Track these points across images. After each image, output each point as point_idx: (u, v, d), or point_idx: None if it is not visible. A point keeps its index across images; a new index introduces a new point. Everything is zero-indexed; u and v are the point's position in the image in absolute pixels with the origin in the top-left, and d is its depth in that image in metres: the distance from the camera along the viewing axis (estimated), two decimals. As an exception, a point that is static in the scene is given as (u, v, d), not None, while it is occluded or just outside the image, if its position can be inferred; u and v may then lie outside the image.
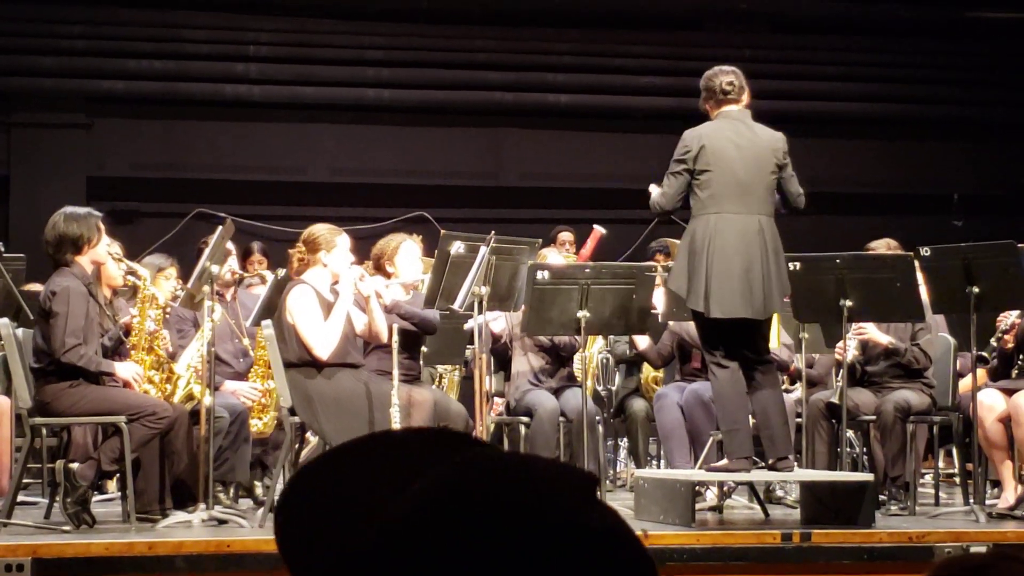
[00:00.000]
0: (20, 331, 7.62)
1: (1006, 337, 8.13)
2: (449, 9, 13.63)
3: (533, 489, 1.09)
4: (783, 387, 8.41)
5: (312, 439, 8.45)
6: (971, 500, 7.81)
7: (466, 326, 8.77)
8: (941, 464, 9.50)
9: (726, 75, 7.34)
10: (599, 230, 10.59)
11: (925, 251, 7.91)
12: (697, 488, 7.74)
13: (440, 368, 9.73)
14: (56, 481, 7.21)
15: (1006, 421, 7.90)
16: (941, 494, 8.83)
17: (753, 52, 13.25)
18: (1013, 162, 14.16)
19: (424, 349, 8.49)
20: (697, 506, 7.44)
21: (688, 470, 8.15)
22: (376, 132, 13.68)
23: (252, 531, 7.03)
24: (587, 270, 8.21)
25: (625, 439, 10.12)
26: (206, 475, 7.26)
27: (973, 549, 6.62)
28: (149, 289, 7.67)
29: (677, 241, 8.17)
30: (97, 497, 7.88)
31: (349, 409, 7.44)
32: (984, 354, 8.19)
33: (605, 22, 13.95)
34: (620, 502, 8.04)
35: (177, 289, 8.52)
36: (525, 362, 8.83)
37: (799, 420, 8.34)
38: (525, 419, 8.57)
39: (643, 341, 9.06)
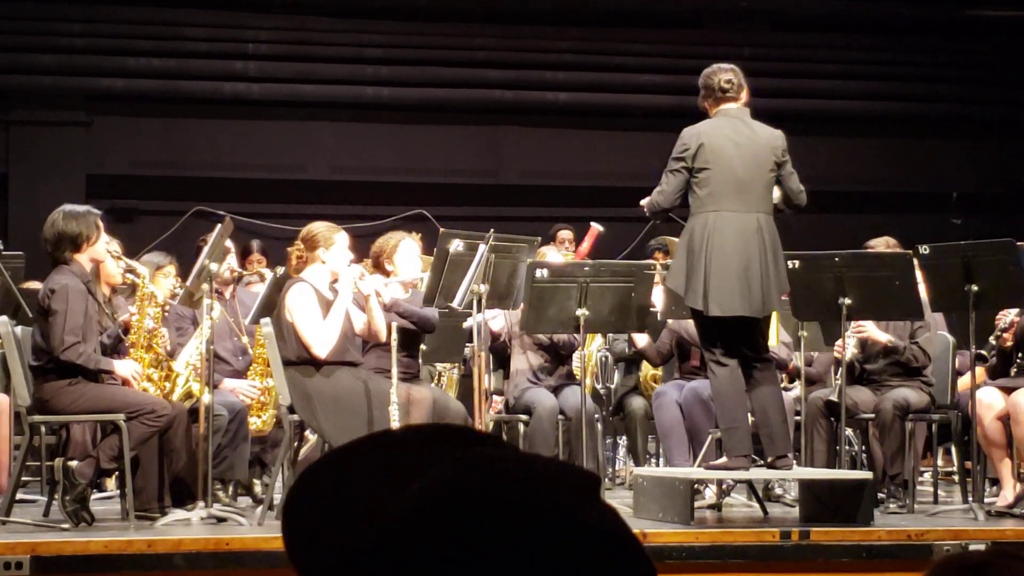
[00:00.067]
0: (19, 329, 7.62)
1: (1005, 335, 8.14)
2: (448, 7, 13.63)
3: (532, 488, 1.09)
4: (782, 385, 8.41)
5: (311, 437, 8.44)
6: (970, 498, 7.81)
7: (465, 324, 8.77)
8: (940, 462, 9.50)
9: (725, 73, 7.34)
10: (596, 227, 10.59)
11: (924, 249, 7.91)
12: (696, 486, 7.75)
13: (439, 366, 9.73)
14: (55, 479, 7.21)
15: (1005, 419, 7.90)
16: (940, 492, 8.83)
17: (753, 50, 13.26)
18: (1013, 160, 14.16)
19: (423, 347, 8.49)
20: (696, 504, 7.43)
21: (687, 468, 8.15)
22: (375, 130, 13.68)
23: (251, 529, 7.03)
24: (586, 268, 8.21)
25: (624, 437, 10.12)
26: (205, 473, 7.25)
27: (972, 547, 6.62)
28: (148, 287, 7.67)
29: (676, 239, 8.17)
30: (96, 495, 7.88)
31: (348, 407, 7.44)
32: (983, 352, 8.19)
33: (605, 20, 13.95)
34: (619, 500, 8.04)
35: (176, 287, 8.52)
36: (524, 360, 8.83)
37: (798, 418, 8.34)
38: (524, 417, 8.57)
39: (642, 339, 9.06)
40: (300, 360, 7.54)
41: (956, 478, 8.95)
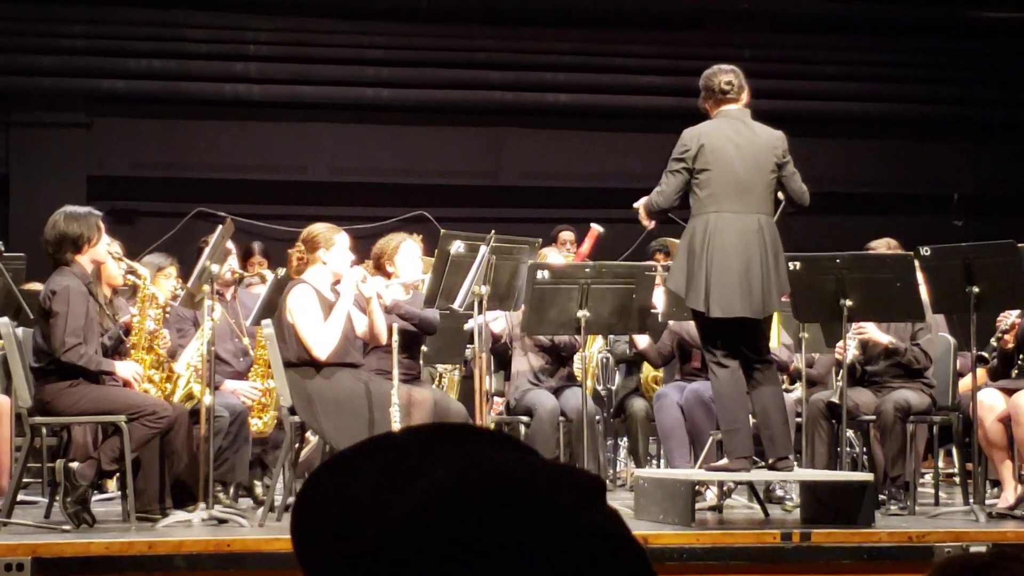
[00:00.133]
0: (20, 330, 7.62)
1: (1006, 337, 8.14)
2: (449, 8, 13.63)
3: (533, 491, 1.09)
4: (783, 387, 8.41)
5: (312, 439, 8.45)
6: (971, 500, 7.81)
7: (466, 326, 8.77)
8: (941, 464, 9.49)
9: (725, 74, 7.34)
10: (597, 228, 10.59)
11: (925, 251, 7.90)
12: (697, 488, 7.74)
13: (440, 368, 9.73)
14: (56, 480, 7.21)
15: (1006, 421, 7.90)
16: (941, 494, 8.83)
17: (753, 51, 13.26)
18: (1013, 162, 14.16)
19: (424, 349, 8.49)
20: (697, 506, 7.43)
21: (688, 470, 8.15)
22: (376, 131, 13.69)
23: (252, 530, 7.03)
24: (587, 270, 8.21)
25: (625, 439, 10.12)
26: (206, 474, 7.25)
27: (973, 549, 6.62)
28: (149, 288, 7.68)
29: (676, 240, 8.17)
30: (97, 496, 7.89)
31: (349, 409, 7.44)
32: (984, 354, 8.19)
33: (605, 21, 13.96)
34: (620, 502, 8.03)
35: (177, 288, 8.52)
36: (525, 362, 8.83)
37: (799, 420, 8.34)
38: (525, 419, 8.57)
39: (643, 340, 9.06)
40: (301, 362, 7.54)
41: (957, 480, 8.95)
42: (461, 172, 13.80)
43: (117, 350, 7.53)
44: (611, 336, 9.50)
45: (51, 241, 7.28)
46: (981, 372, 8.17)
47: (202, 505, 7.23)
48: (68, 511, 7.04)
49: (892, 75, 14.21)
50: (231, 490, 8.11)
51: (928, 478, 9.33)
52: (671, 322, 8.85)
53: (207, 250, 7.62)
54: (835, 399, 8.14)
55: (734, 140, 7.27)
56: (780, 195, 7.36)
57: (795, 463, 7.66)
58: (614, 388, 9.86)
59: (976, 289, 7.65)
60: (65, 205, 7.49)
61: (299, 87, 13.35)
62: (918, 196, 14.17)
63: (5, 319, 7.57)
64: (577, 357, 8.87)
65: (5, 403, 7.92)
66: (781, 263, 7.33)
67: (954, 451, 9.10)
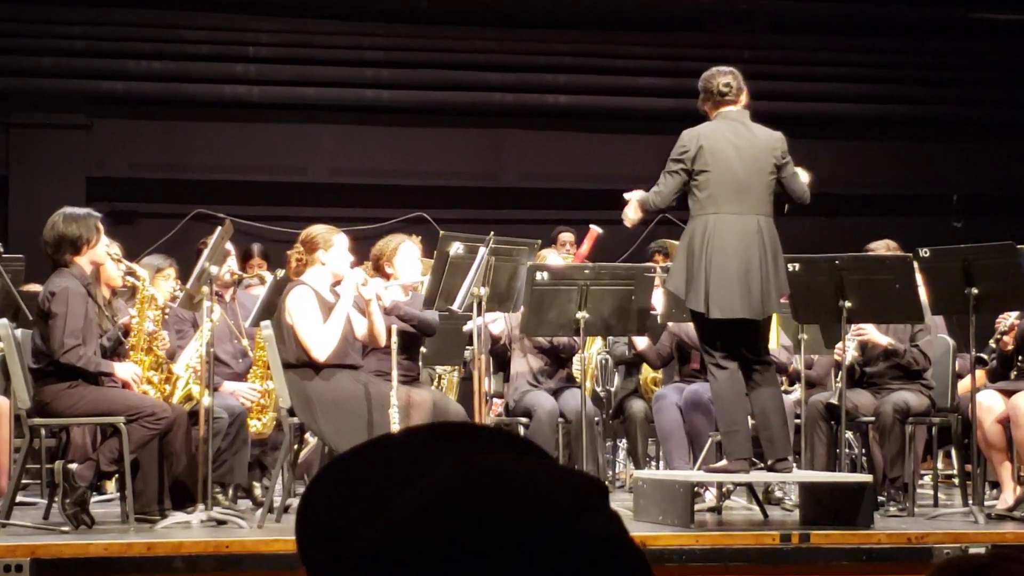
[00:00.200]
0: (19, 332, 7.62)
1: (1005, 338, 8.14)
2: (449, 10, 13.63)
3: (533, 494, 1.09)
4: (782, 388, 8.41)
5: (311, 440, 8.45)
6: (970, 501, 7.80)
7: (465, 327, 8.77)
8: (940, 465, 9.49)
9: (723, 76, 7.34)
10: (596, 230, 10.59)
11: (924, 252, 7.90)
12: (696, 489, 7.74)
13: (439, 369, 9.73)
14: (55, 482, 7.21)
15: (1005, 422, 7.90)
16: (940, 495, 8.83)
17: (753, 53, 13.26)
18: (1014, 163, 14.16)
19: (423, 350, 8.48)
20: (696, 507, 7.43)
21: (687, 471, 8.15)
22: (376, 133, 13.68)
23: (251, 532, 7.02)
24: (586, 271, 8.21)
25: (624, 440, 10.12)
26: (205, 476, 7.25)
27: (972, 550, 6.61)
28: (148, 290, 7.67)
29: (676, 242, 8.17)
30: (96, 498, 7.88)
31: (348, 410, 7.44)
32: (983, 355, 8.19)
33: (605, 22, 13.96)
34: (619, 503, 8.03)
35: (176, 290, 8.52)
36: (524, 363, 8.83)
37: (798, 421, 8.34)
38: (524, 420, 8.56)
39: (642, 342, 9.06)
40: (300, 363, 7.53)
41: (956, 481, 8.95)
42: (461, 173, 13.80)
43: (116, 351, 7.53)
44: (610, 337, 9.50)
45: (50, 242, 7.28)
46: (980, 373, 8.17)
47: (201, 506, 7.22)
48: (67, 512, 7.03)
49: (892, 76, 14.21)
50: (230, 491, 8.11)
51: (927, 479, 9.33)
52: (670, 323, 8.85)
53: (206, 251, 7.62)
54: (834, 400, 8.14)
55: (733, 141, 7.27)
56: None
57: (794, 464, 7.66)
58: (613, 389, 9.86)
59: (975, 290, 7.65)
60: (64, 206, 7.49)
61: (299, 88, 13.34)
62: (918, 197, 14.17)
63: (4, 320, 7.57)
64: (576, 358, 8.87)
65: (4, 404, 7.92)
66: (780, 264, 7.33)
67: (953, 452, 9.09)
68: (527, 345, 8.82)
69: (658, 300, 8.62)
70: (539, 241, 8.81)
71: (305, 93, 13.36)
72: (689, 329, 8.22)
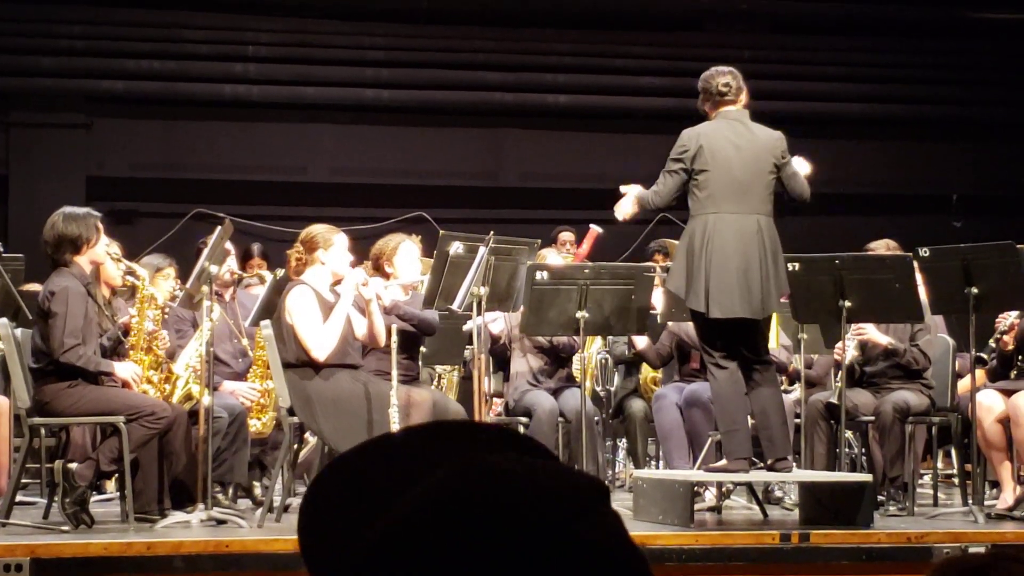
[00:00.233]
0: (19, 331, 7.62)
1: (1005, 338, 8.13)
2: (449, 9, 13.63)
3: (534, 493, 1.09)
4: (782, 388, 8.41)
5: (311, 439, 8.45)
6: (970, 501, 7.80)
7: (465, 327, 8.77)
8: (940, 465, 9.50)
9: (723, 76, 7.34)
10: (596, 229, 10.59)
11: (924, 252, 7.90)
12: (696, 489, 7.74)
13: (439, 368, 9.73)
14: (55, 481, 7.21)
15: (1005, 422, 7.90)
16: (940, 495, 8.83)
17: (753, 52, 13.26)
18: (1013, 163, 14.16)
19: (423, 349, 8.48)
20: (696, 506, 7.43)
21: (687, 471, 8.15)
22: (376, 132, 13.69)
23: (251, 531, 7.02)
24: (586, 271, 8.21)
25: (624, 440, 10.12)
26: (205, 475, 7.25)
27: (972, 550, 6.61)
28: (148, 289, 7.67)
29: (675, 241, 8.16)
30: (96, 497, 7.88)
31: (348, 410, 7.44)
32: (983, 355, 8.19)
33: (605, 22, 13.95)
34: (619, 503, 8.03)
35: (176, 289, 8.52)
36: (524, 363, 8.83)
37: (798, 421, 8.34)
38: (524, 420, 8.56)
39: (642, 341, 9.06)
40: (300, 362, 7.53)
41: (956, 481, 8.95)
42: (461, 173, 13.80)
43: (116, 351, 7.53)
44: (610, 337, 9.50)
45: (50, 242, 7.28)
46: (980, 373, 8.17)
47: (201, 506, 7.22)
48: (67, 512, 7.03)
49: (892, 76, 14.21)
50: (230, 491, 8.10)
51: (927, 479, 9.33)
52: (670, 323, 8.85)
53: (206, 251, 7.62)
54: (834, 400, 8.14)
55: (733, 141, 7.27)
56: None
57: (794, 464, 7.66)
58: (613, 389, 9.86)
59: (975, 290, 7.65)
60: (64, 206, 7.49)
61: (299, 88, 13.34)
62: (918, 197, 14.17)
63: (4, 320, 7.57)
64: (576, 358, 8.87)
65: (4, 404, 7.92)
66: (780, 264, 7.33)
67: (953, 452, 9.10)
68: (527, 345, 8.82)
69: (658, 300, 8.62)
70: (539, 241, 8.81)
71: (305, 93, 13.36)
72: (689, 328, 8.22)
